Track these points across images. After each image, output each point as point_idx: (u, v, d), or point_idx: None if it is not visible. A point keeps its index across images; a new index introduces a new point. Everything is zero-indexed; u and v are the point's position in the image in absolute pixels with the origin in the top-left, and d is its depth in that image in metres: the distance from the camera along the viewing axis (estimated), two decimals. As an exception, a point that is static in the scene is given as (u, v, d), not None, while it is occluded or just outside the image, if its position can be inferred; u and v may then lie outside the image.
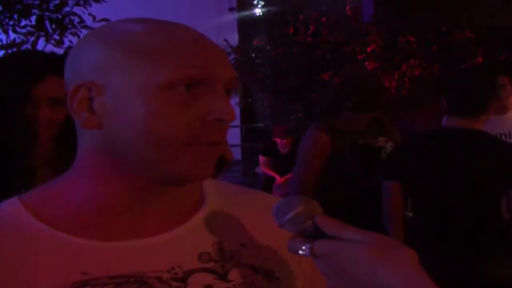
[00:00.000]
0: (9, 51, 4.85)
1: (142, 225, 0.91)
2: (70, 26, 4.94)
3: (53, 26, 4.88)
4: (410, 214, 3.08)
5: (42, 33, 4.87)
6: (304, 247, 0.83)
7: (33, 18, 4.83)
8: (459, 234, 2.73)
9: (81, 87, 0.86)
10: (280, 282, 0.98)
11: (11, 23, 4.81)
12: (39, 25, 4.81)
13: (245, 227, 1.00)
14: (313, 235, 0.83)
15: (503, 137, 3.72)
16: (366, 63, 9.03)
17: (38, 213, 0.89)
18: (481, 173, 2.71)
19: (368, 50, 9.06)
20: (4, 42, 4.87)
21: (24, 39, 4.88)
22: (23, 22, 4.86)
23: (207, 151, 0.88)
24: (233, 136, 11.75)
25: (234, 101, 10.64)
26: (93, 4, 4.99)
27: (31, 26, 4.86)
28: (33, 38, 4.88)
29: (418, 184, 2.90)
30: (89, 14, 4.92)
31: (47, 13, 4.83)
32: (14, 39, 4.87)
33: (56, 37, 4.94)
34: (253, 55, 11.21)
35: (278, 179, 7.01)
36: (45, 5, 4.82)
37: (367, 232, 0.82)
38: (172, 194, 0.93)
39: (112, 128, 0.86)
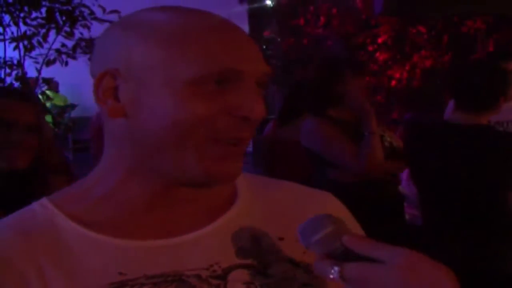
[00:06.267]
0: (20, 43, 4.86)
1: (176, 223, 0.89)
2: (80, 18, 4.93)
3: (64, 18, 4.88)
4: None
5: (53, 25, 4.87)
6: (333, 271, 0.79)
7: (44, 10, 4.82)
8: (465, 230, 2.70)
9: (106, 75, 0.85)
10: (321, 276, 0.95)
11: (21, 15, 4.81)
12: (50, 17, 4.81)
13: (281, 220, 0.97)
14: (342, 256, 0.80)
15: (510, 124, 3.64)
16: (377, 54, 8.99)
17: (70, 213, 0.88)
18: (485, 171, 2.65)
19: (379, 41, 9.01)
20: (15, 34, 4.88)
21: (35, 31, 4.89)
22: (34, 14, 4.85)
23: (231, 149, 0.85)
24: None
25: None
26: (103, -5, 4.99)
27: (42, 18, 4.86)
28: (43, 30, 4.88)
29: (420, 179, 2.89)
30: (99, 6, 4.92)
31: (57, 5, 4.82)
32: (25, 31, 4.88)
33: (67, 29, 4.93)
34: (264, 47, 11.19)
35: None
36: (55, -3, 4.82)
37: (397, 249, 0.79)
38: (202, 193, 0.91)
39: (136, 117, 0.84)
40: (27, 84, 4.96)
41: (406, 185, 4.21)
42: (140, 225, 0.88)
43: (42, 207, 0.90)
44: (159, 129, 0.82)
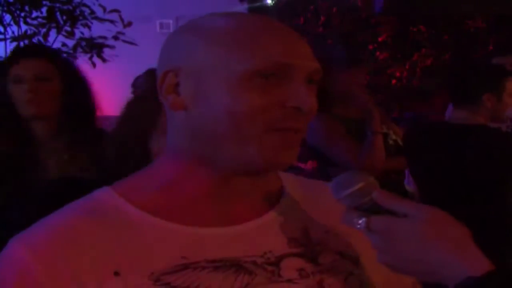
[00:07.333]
0: (21, 42, 4.87)
1: (230, 212, 0.96)
2: (81, 18, 4.94)
3: (64, 17, 4.89)
4: None
5: (53, 25, 4.88)
6: (360, 221, 0.88)
7: (44, 9, 4.84)
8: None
9: (169, 73, 0.93)
10: (365, 266, 1.02)
11: (22, 14, 4.82)
12: (50, 17, 4.82)
13: (326, 216, 1.04)
14: (370, 209, 0.88)
15: None
16: (377, 53, 8.99)
17: (133, 200, 0.95)
18: (480, 170, 2.62)
19: (379, 40, 9.02)
20: (16, 33, 4.89)
21: (36, 30, 4.89)
22: (34, 14, 4.87)
23: (286, 137, 0.92)
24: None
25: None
26: (103, -5, 5.00)
27: (42, 17, 4.87)
28: (44, 30, 4.89)
29: (419, 179, 2.90)
30: (99, 5, 4.94)
31: (57, 5, 4.84)
32: (26, 31, 4.89)
33: (67, 28, 4.95)
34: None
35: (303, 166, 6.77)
36: (55, -4, 4.83)
37: (422, 207, 0.87)
38: (254, 184, 0.98)
39: (196, 110, 0.92)
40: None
41: (408, 183, 4.22)
42: (200, 213, 0.95)
43: (106, 196, 0.97)
44: (216, 121, 0.90)
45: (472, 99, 2.71)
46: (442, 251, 0.81)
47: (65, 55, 5.02)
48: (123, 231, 0.91)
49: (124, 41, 5.03)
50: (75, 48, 5.00)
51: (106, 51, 5.07)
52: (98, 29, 5.09)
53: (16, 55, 2.34)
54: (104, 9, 4.91)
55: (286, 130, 0.91)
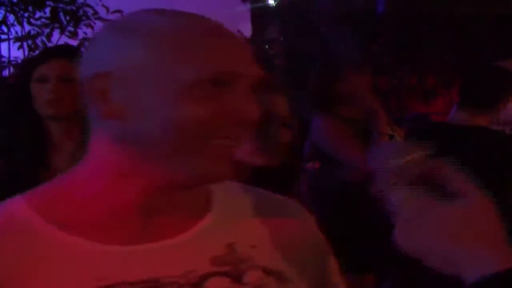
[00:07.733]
0: (24, 43, 4.91)
1: (154, 228, 0.89)
2: (84, 18, 4.98)
3: (67, 18, 4.93)
4: None
5: (57, 25, 4.92)
6: (398, 194, 0.80)
7: (48, 10, 4.88)
8: None
9: (99, 77, 0.83)
10: (291, 283, 0.96)
11: (25, 14, 4.86)
12: (54, 17, 4.86)
13: (254, 228, 0.97)
14: (413, 183, 0.81)
15: None
16: (379, 54, 9.01)
17: (47, 215, 0.86)
18: (479, 172, 2.60)
19: (381, 40, 9.04)
20: (20, 34, 4.93)
21: (39, 31, 4.93)
22: (38, 14, 4.91)
23: (224, 147, 0.86)
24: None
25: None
26: (106, -5, 5.04)
27: (46, 18, 4.91)
28: (47, 30, 4.93)
29: None
30: (103, 5, 4.97)
31: (61, 5, 4.88)
32: (29, 31, 4.92)
33: (71, 28, 4.99)
34: (267, 46, 11.20)
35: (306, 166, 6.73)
36: (59, -3, 4.87)
37: (474, 191, 0.81)
38: (183, 195, 0.91)
39: (130, 119, 0.83)
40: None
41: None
42: (123, 229, 0.87)
43: (17, 208, 0.88)
44: (153, 131, 0.82)
45: (491, 103, 2.72)
46: (475, 245, 0.75)
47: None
48: (33, 250, 0.82)
49: (127, 42, 5.06)
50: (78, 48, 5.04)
51: (109, 51, 5.10)
52: (101, 30, 5.13)
53: (45, 54, 2.37)
54: (107, 10, 4.94)
55: (227, 139, 0.85)
